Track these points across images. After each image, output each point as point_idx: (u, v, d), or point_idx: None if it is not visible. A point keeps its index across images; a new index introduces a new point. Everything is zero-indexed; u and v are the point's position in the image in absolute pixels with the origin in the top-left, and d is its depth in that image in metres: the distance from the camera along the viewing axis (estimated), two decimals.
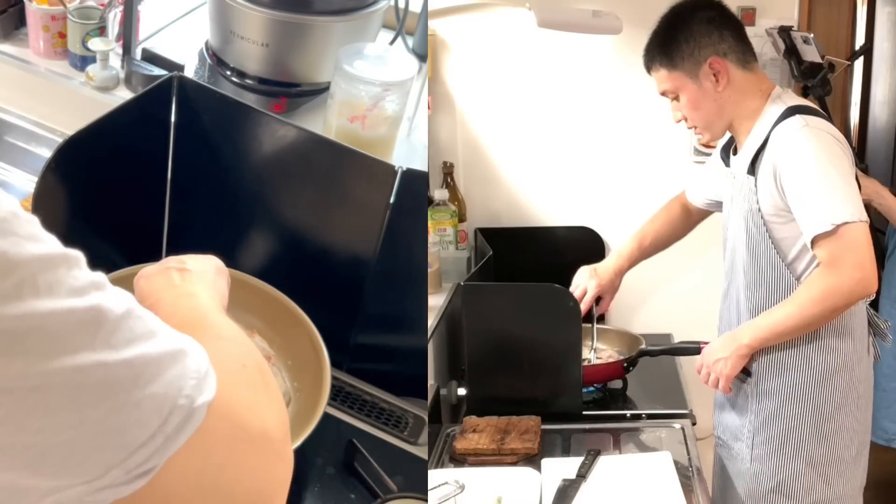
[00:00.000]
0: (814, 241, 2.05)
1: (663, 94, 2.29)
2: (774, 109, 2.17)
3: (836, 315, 2.14)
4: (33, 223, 0.74)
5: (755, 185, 2.15)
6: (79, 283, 0.74)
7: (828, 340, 2.18)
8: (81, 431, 0.73)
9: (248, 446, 0.86)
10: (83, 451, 0.74)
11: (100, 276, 0.77)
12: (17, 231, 0.72)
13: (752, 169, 2.17)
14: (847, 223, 2.00)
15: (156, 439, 0.76)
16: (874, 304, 2.33)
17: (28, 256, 0.71)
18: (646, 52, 2.29)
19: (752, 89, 2.22)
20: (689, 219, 2.63)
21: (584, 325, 2.62)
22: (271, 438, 0.89)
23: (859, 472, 2.29)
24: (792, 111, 2.13)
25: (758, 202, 2.15)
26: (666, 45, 2.24)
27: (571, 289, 2.58)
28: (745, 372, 2.26)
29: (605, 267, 2.61)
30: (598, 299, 2.61)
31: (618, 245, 3.28)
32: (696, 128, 2.29)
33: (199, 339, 0.92)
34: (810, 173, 2.06)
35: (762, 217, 2.15)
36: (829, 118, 2.99)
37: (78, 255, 0.76)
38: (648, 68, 2.30)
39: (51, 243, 0.74)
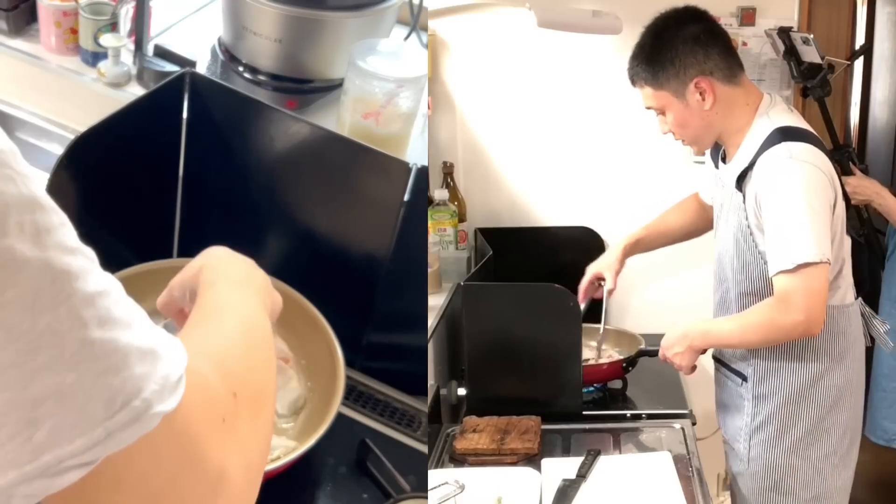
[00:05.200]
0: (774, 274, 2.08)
1: (649, 108, 2.30)
2: (762, 126, 2.17)
3: (776, 344, 2.19)
4: (30, 174, 0.67)
5: (743, 202, 2.17)
6: (68, 241, 0.68)
7: (821, 341, 2.20)
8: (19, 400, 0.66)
9: (197, 480, 0.77)
10: (18, 424, 0.66)
11: (92, 253, 0.71)
12: (14, 167, 0.66)
13: (741, 185, 2.18)
14: (808, 263, 2.02)
15: (97, 432, 0.68)
16: (874, 305, 2.35)
17: (17, 194, 0.65)
18: (630, 66, 2.28)
19: (739, 103, 2.22)
20: (704, 213, 2.58)
21: (592, 325, 2.65)
22: (227, 481, 0.79)
23: (850, 463, 2.33)
24: (779, 135, 2.13)
25: (746, 218, 2.17)
26: (650, 65, 2.23)
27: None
28: (741, 376, 2.29)
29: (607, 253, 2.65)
30: (601, 285, 2.62)
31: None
32: (683, 140, 2.31)
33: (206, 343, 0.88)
34: (785, 209, 2.07)
35: (751, 233, 2.17)
36: (828, 122, 3.04)
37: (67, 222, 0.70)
38: (633, 82, 2.29)
39: (47, 197, 0.68)
